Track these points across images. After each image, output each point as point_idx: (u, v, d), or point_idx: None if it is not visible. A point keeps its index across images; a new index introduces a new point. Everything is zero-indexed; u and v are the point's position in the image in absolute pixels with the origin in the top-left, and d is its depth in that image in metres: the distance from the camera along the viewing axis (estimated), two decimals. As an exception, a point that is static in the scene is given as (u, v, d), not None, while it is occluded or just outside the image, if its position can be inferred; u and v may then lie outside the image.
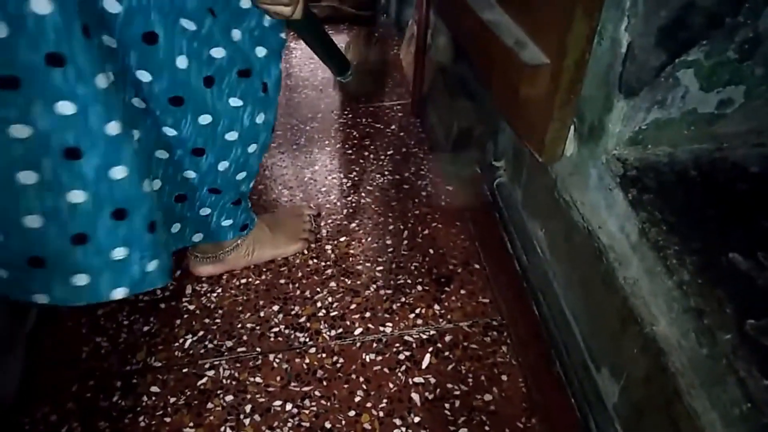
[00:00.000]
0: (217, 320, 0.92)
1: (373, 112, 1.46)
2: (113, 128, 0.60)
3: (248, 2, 0.71)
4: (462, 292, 0.96)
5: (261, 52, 0.76)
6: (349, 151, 1.32)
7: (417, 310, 0.93)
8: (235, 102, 0.75)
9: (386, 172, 1.25)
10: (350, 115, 1.45)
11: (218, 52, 0.70)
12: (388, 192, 1.19)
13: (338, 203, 1.16)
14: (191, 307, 0.94)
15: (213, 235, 0.91)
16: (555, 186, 0.87)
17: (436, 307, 0.93)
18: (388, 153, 1.31)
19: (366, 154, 1.31)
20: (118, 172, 0.61)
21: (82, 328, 0.91)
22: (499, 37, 0.74)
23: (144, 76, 0.66)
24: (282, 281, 0.99)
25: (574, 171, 0.82)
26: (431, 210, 1.14)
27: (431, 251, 1.04)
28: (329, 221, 1.12)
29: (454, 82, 1.31)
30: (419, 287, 0.97)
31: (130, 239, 0.65)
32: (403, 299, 0.95)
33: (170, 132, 0.73)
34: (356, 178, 1.23)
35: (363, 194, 1.19)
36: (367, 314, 0.92)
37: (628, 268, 0.68)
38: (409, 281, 0.98)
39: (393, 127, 1.40)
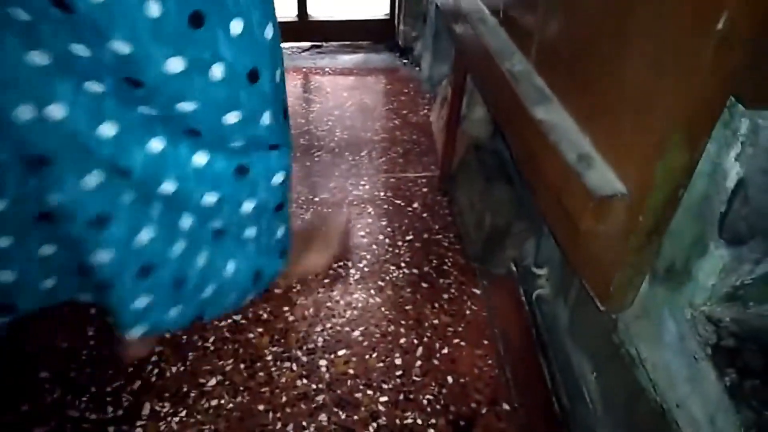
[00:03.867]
0: (174, 458, 0.77)
1: (395, 185, 1.32)
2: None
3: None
4: (485, 443, 0.79)
5: None
6: (362, 233, 1.18)
7: (426, 468, 0.76)
8: None
9: (403, 264, 1.10)
10: (368, 187, 1.32)
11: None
12: (403, 290, 1.04)
13: (341, 301, 1.01)
14: (145, 435, 0.79)
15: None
16: (615, 328, 0.71)
17: (451, 465, 0.77)
18: (407, 239, 1.16)
19: (381, 238, 1.16)
20: (143, 235, 0.73)
21: (9, 451, 0.77)
22: (556, 147, 0.59)
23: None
24: (261, 407, 0.83)
25: (643, 315, 0.66)
26: (454, 320, 0.98)
27: (450, 379, 0.88)
28: (328, 326, 0.97)
29: (490, 162, 1.17)
30: (432, 432, 0.81)
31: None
32: (409, 448, 0.79)
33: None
34: (366, 270, 1.08)
35: (372, 291, 1.03)
36: (363, 467, 0.76)
37: (724, 487, 0.52)
38: (419, 421, 0.82)
39: (416, 205, 1.26)
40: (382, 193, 1.30)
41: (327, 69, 1.87)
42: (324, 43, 1.98)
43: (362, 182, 1.33)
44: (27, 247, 0.72)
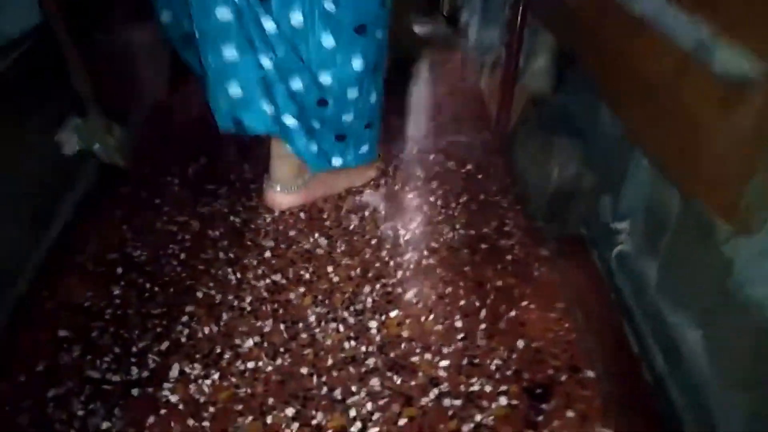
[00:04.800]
0: (205, 424, 0.67)
1: (446, 148, 1.22)
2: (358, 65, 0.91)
3: None
4: (569, 414, 0.67)
5: None
6: (411, 195, 1.07)
7: (499, 439, 0.65)
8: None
9: (458, 226, 0.99)
10: (416, 149, 1.21)
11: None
12: (459, 252, 0.93)
13: (391, 262, 0.91)
14: (173, 399, 0.70)
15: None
16: (729, 271, 0.59)
17: (529, 436, 0.65)
18: (461, 200, 1.05)
19: (432, 199, 1.06)
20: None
21: (24, 415, 0.68)
22: (668, 37, 0.48)
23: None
24: (304, 370, 0.73)
25: (765, 250, 0.53)
26: (519, 282, 0.87)
27: (520, 344, 0.76)
28: (377, 286, 0.86)
29: (553, 115, 1.06)
30: (503, 399, 0.69)
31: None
32: (478, 417, 0.67)
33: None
34: (418, 231, 0.98)
35: (425, 252, 0.93)
36: (423, 437, 0.65)
37: None
38: (487, 388, 0.71)
39: (469, 167, 1.15)
40: (432, 156, 1.19)
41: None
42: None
43: (411, 144, 1.23)
44: (249, 64, 0.83)
